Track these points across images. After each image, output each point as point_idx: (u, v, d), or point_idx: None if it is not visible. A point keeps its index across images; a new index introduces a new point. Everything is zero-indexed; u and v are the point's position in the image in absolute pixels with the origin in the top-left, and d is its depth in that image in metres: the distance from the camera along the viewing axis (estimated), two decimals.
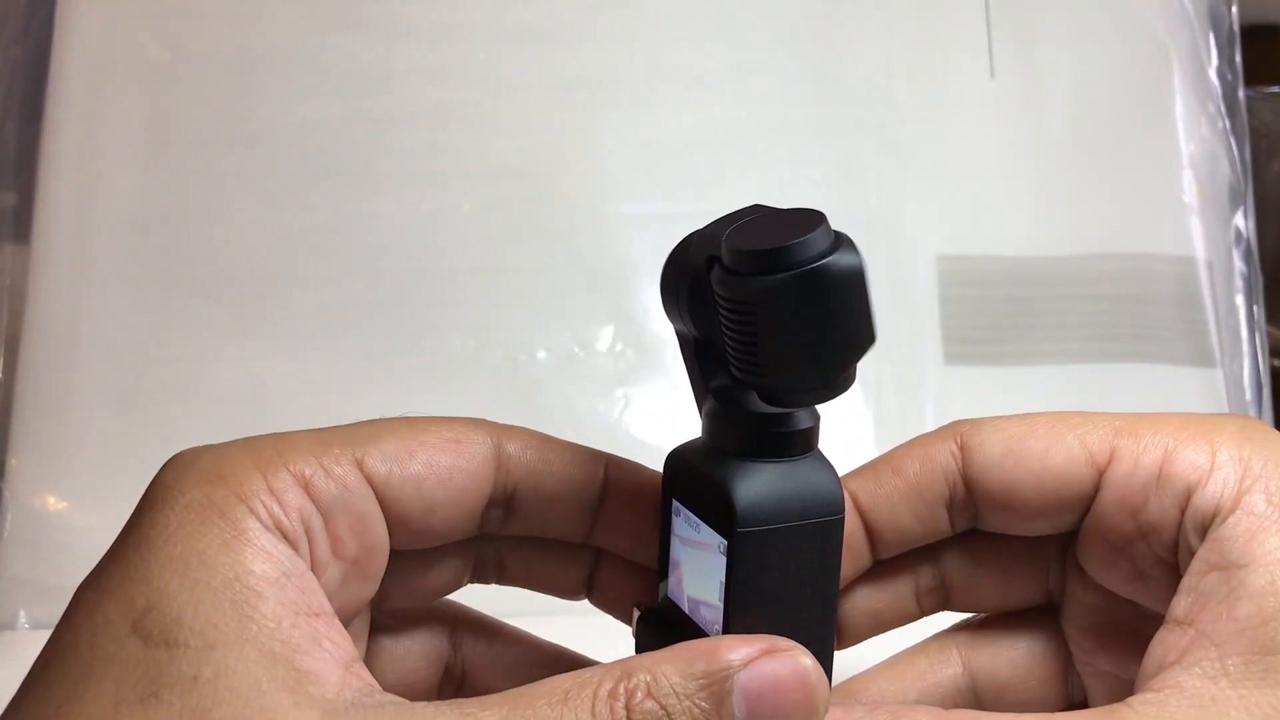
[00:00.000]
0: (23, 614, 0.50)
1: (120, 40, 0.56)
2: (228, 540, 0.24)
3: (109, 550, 0.25)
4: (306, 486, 0.26)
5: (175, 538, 0.24)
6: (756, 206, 0.26)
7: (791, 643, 0.24)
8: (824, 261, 0.22)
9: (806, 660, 0.24)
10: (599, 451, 0.30)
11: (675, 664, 0.23)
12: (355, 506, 0.27)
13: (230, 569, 0.24)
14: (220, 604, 0.23)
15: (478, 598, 0.32)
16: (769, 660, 0.24)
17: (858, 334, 0.23)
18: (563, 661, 0.32)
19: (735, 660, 0.23)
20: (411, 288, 0.55)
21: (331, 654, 0.24)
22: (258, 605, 0.23)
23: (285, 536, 0.25)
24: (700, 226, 0.26)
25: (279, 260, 0.55)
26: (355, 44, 0.57)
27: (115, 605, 0.23)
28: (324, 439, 0.27)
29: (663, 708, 0.23)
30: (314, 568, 0.26)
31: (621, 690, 0.23)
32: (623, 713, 0.23)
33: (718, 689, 0.23)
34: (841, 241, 0.23)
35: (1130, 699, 0.25)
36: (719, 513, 0.26)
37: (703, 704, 0.23)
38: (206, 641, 0.22)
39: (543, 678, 0.24)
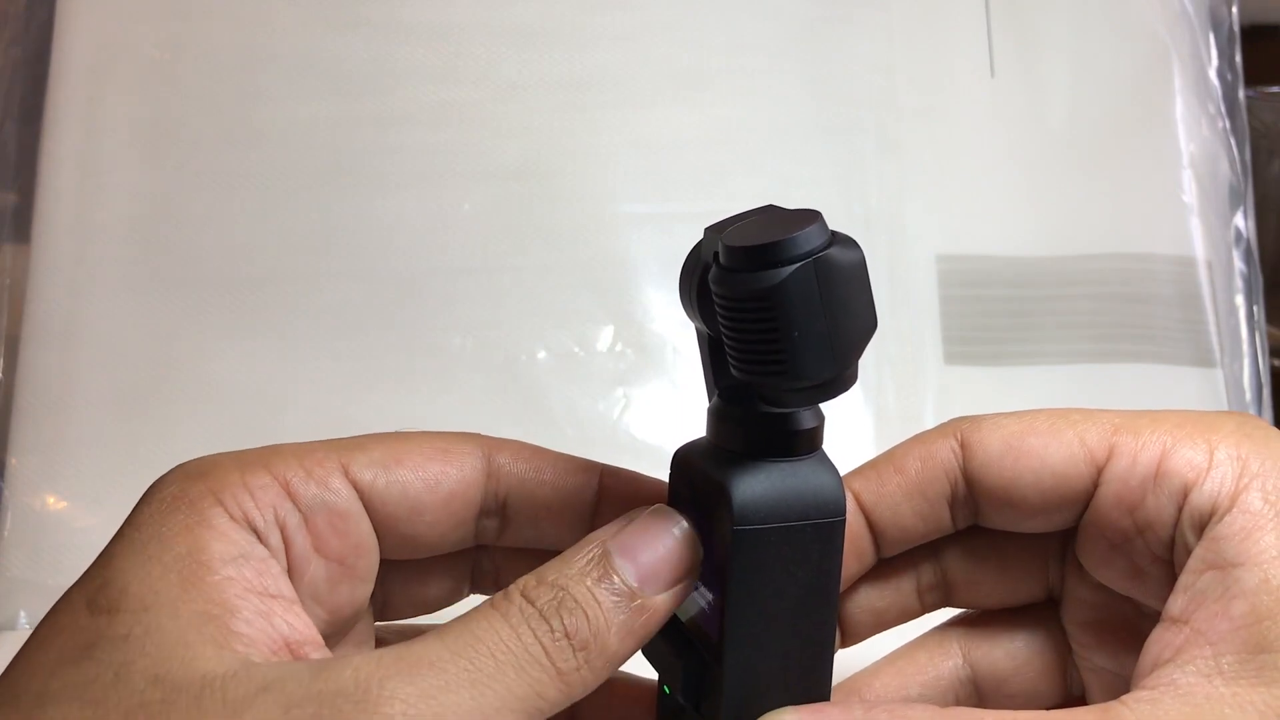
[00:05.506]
0: (23, 614, 0.50)
1: (120, 40, 0.56)
2: (190, 525, 0.25)
3: None
4: (286, 487, 0.27)
5: (143, 525, 0.25)
6: (770, 207, 0.26)
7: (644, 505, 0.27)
8: (828, 251, 0.23)
9: (661, 508, 0.27)
10: (594, 462, 0.30)
11: (556, 562, 0.25)
12: (336, 505, 0.27)
13: (185, 547, 0.24)
14: (167, 575, 0.24)
15: None
16: (626, 522, 0.26)
17: (865, 319, 0.24)
18: None
19: (602, 535, 0.26)
20: (412, 288, 0.55)
21: (280, 631, 0.24)
22: (204, 577, 0.24)
23: (253, 529, 0.26)
24: (706, 224, 0.26)
25: (279, 260, 0.55)
26: (355, 44, 0.57)
27: (78, 587, 0.24)
28: (310, 447, 0.28)
29: (560, 587, 0.25)
30: (293, 563, 0.26)
31: (517, 593, 0.25)
32: (530, 609, 0.24)
33: (603, 560, 0.25)
34: (838, 236, 0.23)
35: (1125, 696, 0.25)
36: (718, 510, 0.26)
37: (594, 573, 0.25)
38: (144, 605, 0.23)
39: None
